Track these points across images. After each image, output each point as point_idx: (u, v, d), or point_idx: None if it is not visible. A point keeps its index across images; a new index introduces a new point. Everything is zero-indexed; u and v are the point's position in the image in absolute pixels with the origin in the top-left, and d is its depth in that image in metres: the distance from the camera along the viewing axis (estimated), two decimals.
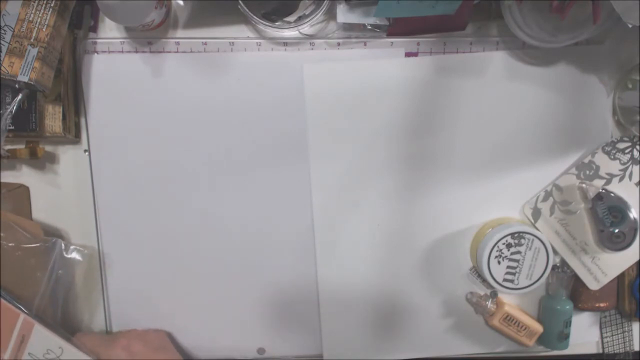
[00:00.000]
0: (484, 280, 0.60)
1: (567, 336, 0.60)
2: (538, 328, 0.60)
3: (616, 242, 0.58)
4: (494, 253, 0.57)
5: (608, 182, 0.59)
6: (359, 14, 0.55)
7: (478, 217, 0.61)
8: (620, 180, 0.59)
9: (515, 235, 0.57)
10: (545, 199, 0.60)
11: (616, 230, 0.57)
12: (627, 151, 0.59)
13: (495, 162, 0.60)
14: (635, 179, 0.59)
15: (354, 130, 0.59)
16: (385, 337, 0.62)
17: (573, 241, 0.60)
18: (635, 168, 0.59)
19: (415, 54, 0.58)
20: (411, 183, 0.60)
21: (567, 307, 0.60)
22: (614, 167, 0.59)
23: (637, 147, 0.58)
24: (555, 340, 0.60)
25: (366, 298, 0.62)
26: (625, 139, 0.59)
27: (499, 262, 0.58)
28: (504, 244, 0.57)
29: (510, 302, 0.62)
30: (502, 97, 0.59)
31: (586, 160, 0.59)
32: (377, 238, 0.61)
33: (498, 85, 0.59)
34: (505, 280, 0.58)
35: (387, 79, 0.58)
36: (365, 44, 0.58)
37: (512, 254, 0.57)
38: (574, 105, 0.59)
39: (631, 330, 0.64)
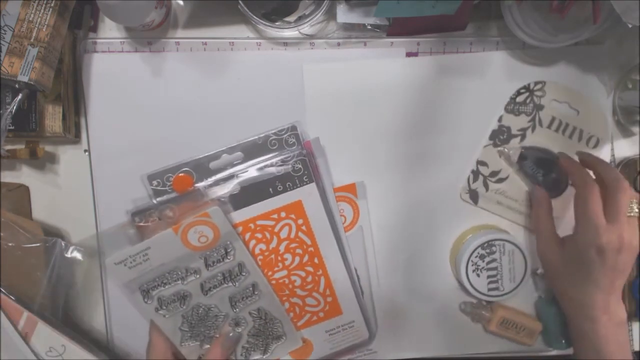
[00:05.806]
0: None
1: (567, 336, 0.60)
2: (537, 326, 0.60)
3: (556, 188, 0.59)
4: (470, 268, 0.57)
5: (523, 137, 0.59)
6: (359, 14, 0.55)
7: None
8: (533, 130, 0.59)
9: (485, 245, 0.57)
10: (475, 179, 0.60)
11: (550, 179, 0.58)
12: (528, 102, 0.59)
13: None
14: (545, 123, 0.59)
15: (354, 130, 0.59)
16: (385, 337, 0.62)
17: (516, 203, 0.60)
18: (541, 113, 0.59)
19: (415, 54, 0.58)
20: (411, 183, 0.60)
21: None
22: (522, 121, 0.59)
23: (534, 93, 0.58)
24: (556, 340, 0.60)
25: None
26: (522, 90, 0.58)
27: (478, 275, 0.58)
28: (476, 256, 0.57)
29: (505, 304, 0.61)
30: (502, 97, 0.59)
31: (496, 127, 0.59)
32: (377, 238, 0.61)
33: (498, 85, 0.59)
34: (490, 289, 0.59)
35: (387, 79, 0.58)
36: (365, 44, 0.58)
37: (487, 263, 0.58)
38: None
39: (631, 330, 0.63)
